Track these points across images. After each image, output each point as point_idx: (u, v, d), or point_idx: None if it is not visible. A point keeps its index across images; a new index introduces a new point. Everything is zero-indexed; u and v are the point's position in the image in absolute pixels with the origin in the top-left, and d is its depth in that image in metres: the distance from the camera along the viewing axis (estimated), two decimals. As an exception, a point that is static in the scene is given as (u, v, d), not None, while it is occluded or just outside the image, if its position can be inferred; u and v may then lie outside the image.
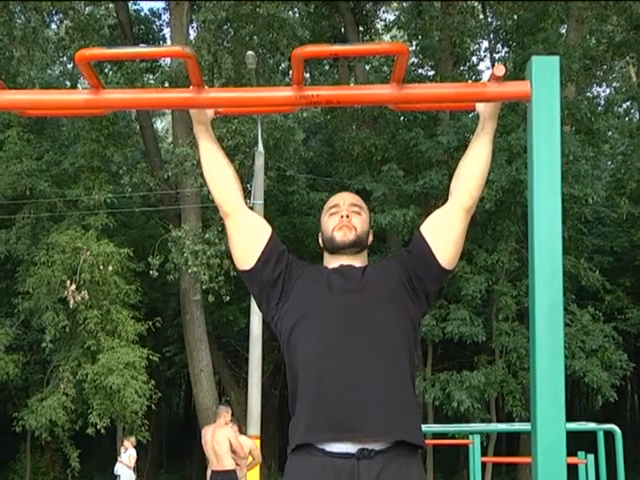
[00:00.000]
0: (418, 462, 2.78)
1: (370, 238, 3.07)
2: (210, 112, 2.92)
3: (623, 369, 20.05)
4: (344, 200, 3.04)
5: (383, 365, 2.71)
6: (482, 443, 11.72)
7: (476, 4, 24.65)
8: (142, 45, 24.01)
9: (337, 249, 2.95)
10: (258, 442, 14.98)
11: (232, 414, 12.08)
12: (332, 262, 2.97)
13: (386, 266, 2.96)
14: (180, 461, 29.62)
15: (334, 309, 2.78)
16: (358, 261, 2.96)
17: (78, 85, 25.23)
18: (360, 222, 2.99)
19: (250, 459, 11.54)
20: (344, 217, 2.97)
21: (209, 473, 11.42)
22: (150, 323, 19.88)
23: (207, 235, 18.79)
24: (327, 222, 3.02)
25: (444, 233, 2.88)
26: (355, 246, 2.95)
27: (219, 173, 2.95)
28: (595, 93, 26.99)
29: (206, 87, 2.45)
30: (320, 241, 3.08)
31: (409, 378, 2.81)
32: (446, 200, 2.95)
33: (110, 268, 18.90)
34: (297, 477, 2.73)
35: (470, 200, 2.86)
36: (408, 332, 2.83)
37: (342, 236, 2.94)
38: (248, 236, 2.94)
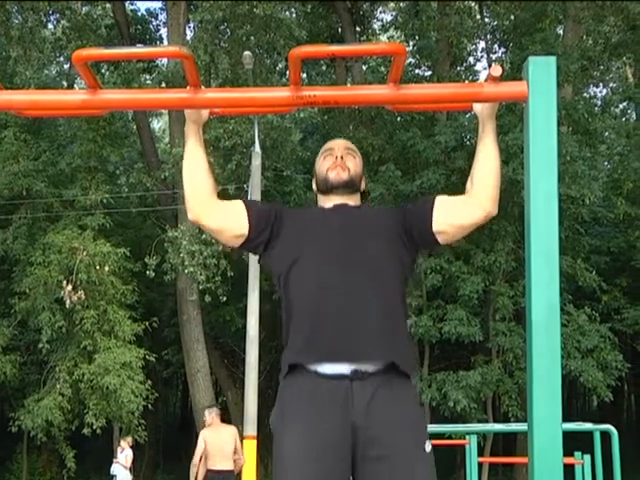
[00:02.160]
0: (411, 386, 2.81)
1: (363, 184, 3.11)
2: (205, 113, 2.92)
3: (619, 369, 20.06)
4: (338, 145, 3.08)
5: (377, 292, 2.76)
6: (479, 443, 11.73)
7: (473, 4, 24.65)
8: (139, 45, 23.96)
9: (331, 188, 3.00)
10: (255, 442, 14.99)
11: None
12: (326, 202, 3.03)
13: (383, 210, 3.09)
14: (177, 461, 29.57)
15: (329, 241, 2.84)
16: (352, 201, 3.01)
17: (75, 85, 25.21)
18: (354, 164, 3.04)
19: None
20: (338, 158, 3.02)
21: (202, 472, 11.39)
22: (147, 323, 19.87)
23: (204, 235, 18.75)
24: (321, 164, 3.07)
25: (453, 215, 2.90)
26: (349, 186, 3.00)
27: (198, 178, 2.94)
28: (592, 93, 27.01)
29: (203, 87, 2.46)
30: (314, 185, 3.12)
31: (402, 309, 2.87)
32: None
33: (107, 268, 18.88)
34: (291, 400, 2.76)
35: (491, 205, 2.85)
36: (402, 266, 2.89)
37: (336, 175, 2.99)
38: (228, 221, 2.96)
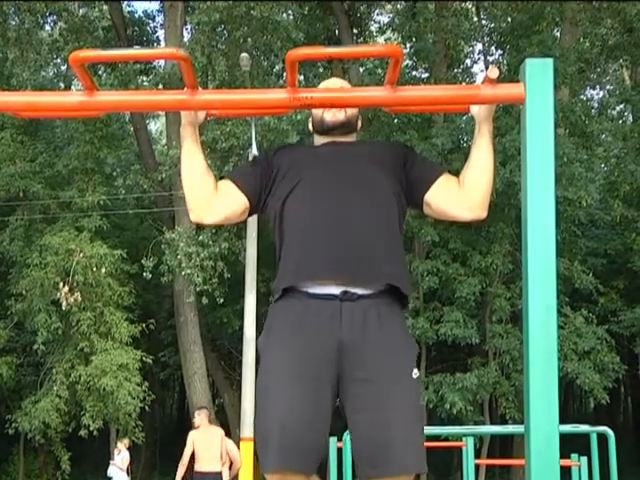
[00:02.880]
0: (402, 313, 2.81)
1: (359, 123, 3.10)
2: (201, 115, 2.91)
3: (615, 371, 20.08)
4: (335, 85, 3.04)
5: (372, 215, 2.76)
6: (475, 445, 11.74)
7: (470, 6, 24.66)
8: (136, 47, 23.94)
9: (327, 129, 2.98)
10: (252, 444, 14.97)
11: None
12: (322, 141, 3.02)
13: (381, 144, 3.10)
14: (174, 463, 29.26)
15: (321, 170, 2.84)
16: (348, 139, 3.01)
17: (72, 87, 25.19)
18: None
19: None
20: None
21: (181, 472, 11.44)
22: (144, 325, 19.87)
23: (201, 237, 18.76)
24: None
25: (444, 199, 2.89)
26: (345, 127, 2.98)
27: (198, 180, 2.92)
28: (589, 96, 27.02)
29: (200, 89, 2.45)
30: (310, 126, 3.10)
31: (398, 233, 2.85)
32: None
33: (103, 270, 18.88)
34: (278, 319, 2.75)
35: (481, 210, 2.86)
36: (398, 195, 2.88)
37: (332, 116, 2.97)
38: (228, 207, 2.94)
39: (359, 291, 2.67)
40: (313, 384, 2.61)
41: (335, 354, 2.63)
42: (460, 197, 2.86)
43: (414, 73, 24.45)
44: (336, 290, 2.66)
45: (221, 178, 3.02)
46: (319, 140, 3.03)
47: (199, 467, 11.26)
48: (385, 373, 2.63)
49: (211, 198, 2.92)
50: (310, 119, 3.10)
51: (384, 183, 2.84)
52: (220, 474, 11.26)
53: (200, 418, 11.71)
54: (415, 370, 2.70)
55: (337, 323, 2.64)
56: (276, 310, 2.79)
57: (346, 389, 2.65)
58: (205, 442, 11.35)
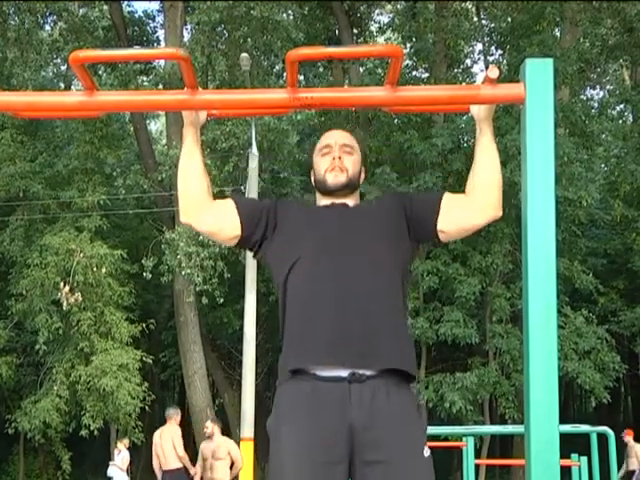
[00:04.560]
0: (410, 389, 2.78)
1: (362, 177, 3.08)
2: (203, 115, 2.90)
3: (616, 371, 20.09)
4: (335, 140, 3.02)
5: (376, 290, 2.73)
6: (475, 445, 11.74)
7: (470, 6, 24.66)
8: (136, 47, 23.95)
9: (329, 191, 2.96)
10: (252, 444, 14.97)
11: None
12: (323, 200, 3.00)
13: (383, 203, 3.00)
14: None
15: (326, 243, 2.80)
16: (350, 200, 2.98)
17: (72, 87, 25.19)
18: (352, 163, 2.99)
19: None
20: (336, 159, 2.97)
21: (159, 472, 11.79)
22: (144, 325, 19.86)
23: (201, 237, 18.72)
24: (319, 163, 3.02)
25: (457, 217, 2.86)
26: (347, 187, 2.96)
27: (193, 181, 2.91)
28: (589, 96, 27.04)
29: (200, 89, 2.45)
30: (312, 180, 3.08)
31: (402, 307, 2.83)
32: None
33: (104, 270, 18.87)
34: (287, 402, 2.73)
35: (493, 209, 2.84)
36: (402, 262, 2.87)
37: (334, 178, 2.95)
38: (220, 222, 2.93)
39: (367, 372, 2.65)
40: (325, 469, 2.60)
41: (346, 436, 2.61)
42: (471, 204, 2.84)
43: (414, 73, 24.46)
44: (344, 372, 2.64)
45: (226, 197, 3.01)
46: (321, 199, 3.01)
47: (163, 466, 11.72)
48: (396, 454, 2.61)
49: (203, 203, 2.91)
50: (312, 173, 3.07)
51: (389, 254, 2.82)
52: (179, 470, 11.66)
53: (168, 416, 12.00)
54: (426, 449, 2.68)
55: (347, 405, 2.62)
56: (284, 392, 2.77)
57: (359, 471, 2.63)
58: (164, 441, 11.72)
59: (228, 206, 2.95)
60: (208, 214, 2.92)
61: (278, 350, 2.90)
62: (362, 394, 2.63)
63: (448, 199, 2.90)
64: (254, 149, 17.33)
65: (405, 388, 2.73)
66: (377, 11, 27.11)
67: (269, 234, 2.91)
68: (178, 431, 12.00)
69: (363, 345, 2.65)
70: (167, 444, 11.80)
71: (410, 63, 23.87)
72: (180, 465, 11.74)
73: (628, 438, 17.49)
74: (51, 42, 22.72)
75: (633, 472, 17.21)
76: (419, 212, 2.90)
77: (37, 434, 19.04)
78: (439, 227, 2.86)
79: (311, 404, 2.65)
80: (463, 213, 2.86)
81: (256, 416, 15.58)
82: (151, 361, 20.06)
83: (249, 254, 3.11)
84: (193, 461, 12.02)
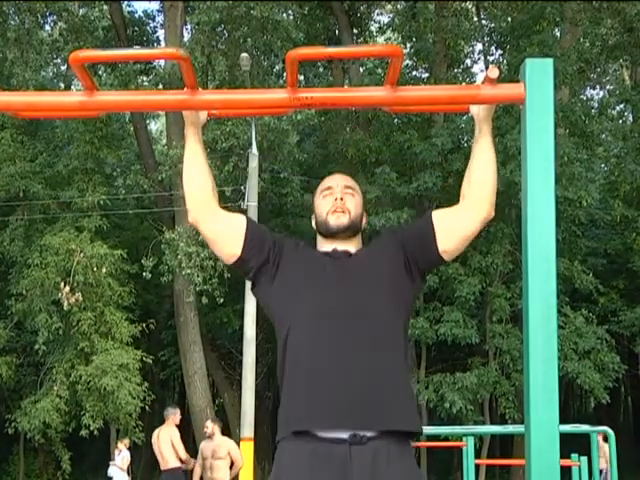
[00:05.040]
0: (411, 450, 2.77)
1: (364, 221, 3.04)
2: (203, 115, 2.90)
3: (616, 371, 20.09)
4: (337, 182, 3.00)
5: (377, 353, 2.70)
6: (475, 445, 11.73)
7: (470, 6, 24.66)
8: (136, 47, 23.94)
9: (331, 233, 2.92)
10: (252, 444, 14.98)
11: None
12: (325, 245, 2.95)
13: (381, 247, 2.94)
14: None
15: (327, 295, 2.76)
16: (352, 244, 2.94)
17: (72, 87, 25.19)
18: (354, 205, 2.96)
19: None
20: (338, 200, 2.94)
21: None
22: (144, 325, 19.88)
23: (201, 237, 18.74)
24: (320, 205, 2.98)
25: (454, 224, 2.85)
26: (349, 230, 2.92)
27: (196, 179, 2.91)
28: (589, 96, 27.05)
29: (200, 89, 2.45)
30: (313, 223, 3.04)
31: (404, 363, 2.80)
32: (440, 203, 2.94)
33: (104, 270, 18.88)
34: (289, 462, 2.70)
35: (489, 206, 2.83)
36: (403, 316, 2.83)
37: (336, 220, 2.91)
38: (228, 234, 2.91)
39: (368, 433, 2.63)
40: None
41: None
42: (466, 205, 2.84)
43: (414, 73, 24.48)
44: (345, 434, 2.62)
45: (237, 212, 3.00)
46: (323, 243, 2.96)
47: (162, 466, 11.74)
48: None
49: (210, 204, 2.91)
50: (313, 217, 3.03)
51: (388, 308, 2.77)
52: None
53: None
54: None
55: (347, 467, 2.60)
56: (285, 451, 2.74)
57: None
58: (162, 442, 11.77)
59: (238, 222, 2.93)
60: (215, 220, 2.91)
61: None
62: (363, 456, 2.61)
63: (438, 216, 2.88)
64: (254, 149, 17.34)
65: (407, 448, 2.72)
66: (377, 11, 27.12)
67: (268, 270, 2.87)
68: (176, 431, 12.01)
69: (364, 407, 2.63)
70: (164, 444, 11.82)
71: (410, 63, 23.88)
72: (178, 464, 11.76)
73: (598, 437, 17.52)
74: (51, 42, 22.73)
75: (601, 471, 17.32)
76: (416, 244, 2.87)
77: (37, 434, 19.03)
78: (441, 248, 2.84)
79: (312, 465, 2.63)
80: (458, 218, 2.85)
81: (256, 416, 15.60)
82: (151, 361, 20.07)
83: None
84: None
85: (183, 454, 11.79)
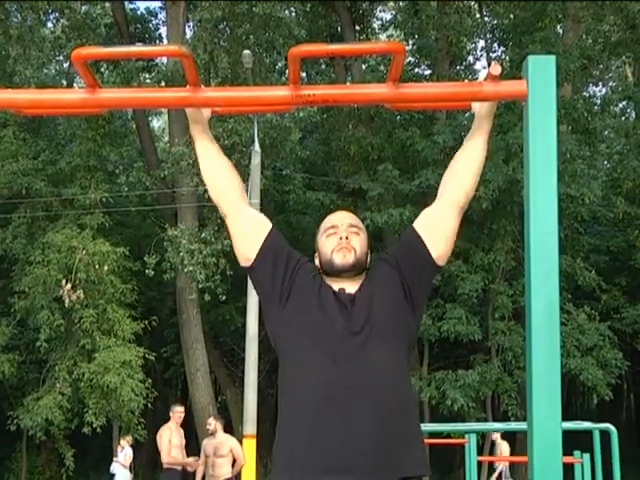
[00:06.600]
0: None
1: (369, 259, 2.98)
2: (207, 112, 2.89)
3: (618, 368, 20.09)
4: (342, 221, 2.95)
5: (382, 401, 2.63)
6: (478, 442, 11.73)
7: (472, 3, 24.64)
8: (138, 44, 23.95)
9: (337, 272, 2.86)
10: (254, 441, 14.98)
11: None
12: (330, 283, 2.87)
13: (381, 284, 2.85)
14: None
15: (332, 341, 2.69)
16: (356, 283, 2.86)
17: (74, 84, 25.21)
18: (359, 243, 2.91)
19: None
20: (343, 238, 2.88)
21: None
22: (146, 322, 19.88)
23: (203, 234, 18.77)
24: (324, 244, 2.93)
25: (438, 229, 2.85)
26: (355, 269, 2.86)
27: (217, 174, 2.91)
28: (591, 92, 27.04)
29: (202, 86, 2.45)
30: (317, 262, 2.96)
31: (410, 407, 2.75)
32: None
33: (106, 267, 18.88)
34: None
35: (465, 198, 2.85)
36: (407, 344, 2.80)
37: (341, 258, 2.85)
38: (247, 234, 2.89)
39: None
40: None
41: None
42: (443, 209, 2.86)
43: (416, 70, 24.50)
44: None
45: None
46: (327, 282, 2.88)
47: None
48: None
49: (238, 196, 2.92)
50: (317, 257, 2.97)
51: (394, 354, 2.72)
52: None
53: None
54: None
55: None
56: None
57: None
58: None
59: (261, 225, 2.92)
60: (242, 217, 2.91)
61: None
62: None
63: (421, 225, 2.88)
64: (256, 146, 17.33)
65: None
66: (379, 8, 27.10)
67: (276, 295, 2.83)
68: (167, 431, 12.11)
69: (369, 462, 2.57)
70: (160, 442, 11.91)
71: (412, 60, 23.89)
72: (171, 466, 11.76)
73: (496, 436, 17.66)
74: (53, 39, 22.75)
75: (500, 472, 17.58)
76: (412, 261, 2.85)
77: (39, 431, 19.05)
78: (434, 255, 2.83)
79: None
80: (440, 222, 2.85)
81: (258, 413, 15.59)
82: (153, 358, 20.09)
83: None
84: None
85: (165, 457, 11.81)
